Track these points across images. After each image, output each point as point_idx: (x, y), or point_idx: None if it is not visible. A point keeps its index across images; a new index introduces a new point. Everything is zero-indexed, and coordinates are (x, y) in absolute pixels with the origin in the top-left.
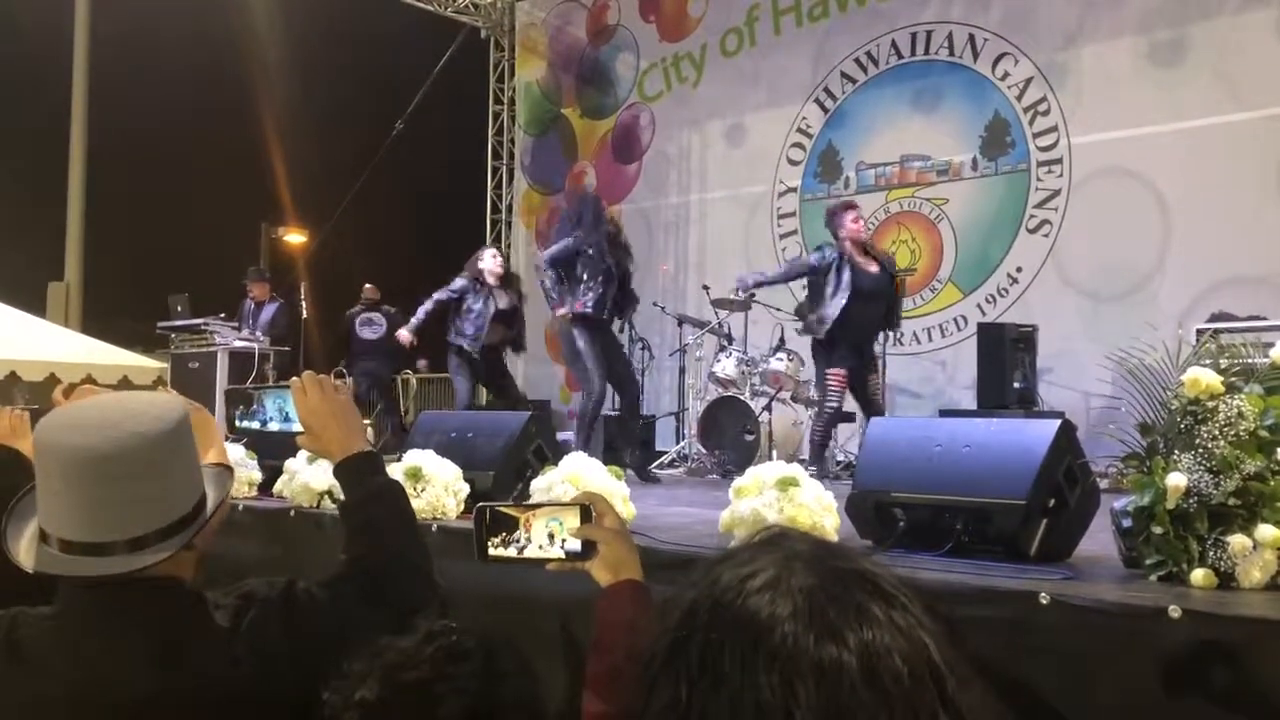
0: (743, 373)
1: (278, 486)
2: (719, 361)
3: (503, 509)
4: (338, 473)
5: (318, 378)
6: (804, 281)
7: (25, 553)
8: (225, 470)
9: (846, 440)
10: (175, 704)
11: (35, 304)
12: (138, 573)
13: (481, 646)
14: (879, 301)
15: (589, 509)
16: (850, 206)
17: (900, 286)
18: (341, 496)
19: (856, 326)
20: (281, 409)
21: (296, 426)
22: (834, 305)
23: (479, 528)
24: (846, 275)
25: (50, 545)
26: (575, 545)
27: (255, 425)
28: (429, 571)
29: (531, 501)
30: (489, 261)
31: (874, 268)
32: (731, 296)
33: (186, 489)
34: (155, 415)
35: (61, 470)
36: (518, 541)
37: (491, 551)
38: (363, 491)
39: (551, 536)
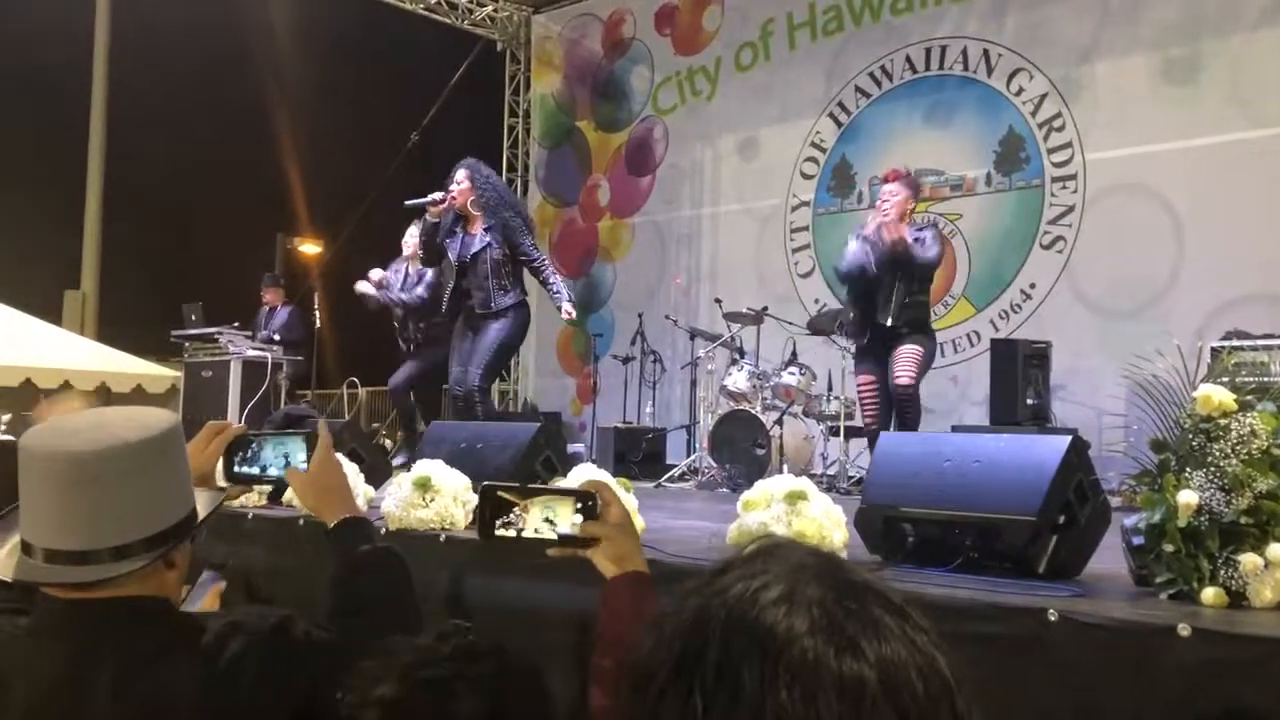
0: (754, 386)
1: (287, 495)
2: (730, 375)
3: (507, 492)
4: (332, 537)
5: (330, 443)
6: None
7: (4, 563)
8: (218, 491)
9: (857, 455)
10: None
11: (51, 312)
12: (120, 591)
13: (496, 646)
14: None
15: (593, 497)
16: None
17: None
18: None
19: None
20: (283, 455)
21: None
22: None
23: (482, 508)
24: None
25: (34, 556)
26: (575, 531)
27: (255, 471)
28: (417, 631)
29: (536, 486)
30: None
31: None
32: (744, 310)
33: (174, 500)
34: (141, 423)
35: (42, 474)
36: (519, 525)
37: (496, 532)
38: (357, 556)
39: (552, 523)
